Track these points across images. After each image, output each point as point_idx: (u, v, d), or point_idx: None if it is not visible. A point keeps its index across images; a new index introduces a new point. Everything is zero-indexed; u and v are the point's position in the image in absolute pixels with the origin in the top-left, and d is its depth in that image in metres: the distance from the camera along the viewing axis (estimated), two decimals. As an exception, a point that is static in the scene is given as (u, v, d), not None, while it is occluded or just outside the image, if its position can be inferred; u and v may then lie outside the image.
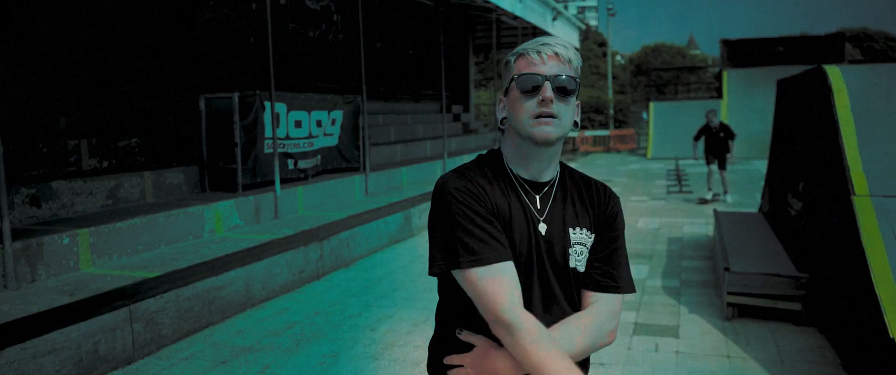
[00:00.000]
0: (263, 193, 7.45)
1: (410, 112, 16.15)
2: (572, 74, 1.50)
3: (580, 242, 1.57)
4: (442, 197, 1.49)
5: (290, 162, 8.25)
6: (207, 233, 6.53)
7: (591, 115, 29.89)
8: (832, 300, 4.44)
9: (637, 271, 6.59)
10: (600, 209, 1.61)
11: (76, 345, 3.98)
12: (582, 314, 1.51)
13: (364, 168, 9.52)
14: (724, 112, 21.29)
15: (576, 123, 1.56)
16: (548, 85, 1.46)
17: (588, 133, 26.52)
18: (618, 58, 59.16)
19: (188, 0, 9.42)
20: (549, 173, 1.58)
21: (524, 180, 1.57)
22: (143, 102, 8.32)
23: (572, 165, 17.38)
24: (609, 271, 1.56)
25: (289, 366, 4.26)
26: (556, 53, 1.49)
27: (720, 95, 21.98)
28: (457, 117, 17.79)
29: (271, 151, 7.58)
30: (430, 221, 1.52)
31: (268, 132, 7.60)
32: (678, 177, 14.31)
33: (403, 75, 16.66)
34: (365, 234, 7.66)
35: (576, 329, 1.47)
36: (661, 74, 32.99)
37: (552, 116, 1.46)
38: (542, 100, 1.45)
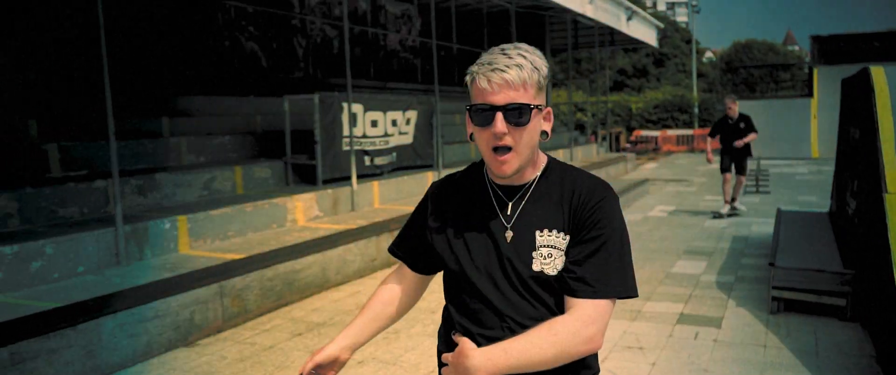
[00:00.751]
0: (341, 186, 8.05)
1: (488, 111, 16.56)
2: (526, 100, 1.45)
3: (549, 245, 1.53)
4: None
5: (367, 158, 8.83)
6: (289, 222, 7.16)
7: (676, 114, 29.41)
8: (870, 295, 4.57)
9: (693, 267, 6.77)
10: (577, 210, 1.54)
11: (175, 313, 4.63)
12: (555, 320, 1.47)
13: (437, 165, 10.00)
14: (814, 111, 20.62)
15: (545, 133, 1.55)
16: (499, 117, 1.45)
17: (671, 132, 26.16)
18: (708, 55, 57.50)
19: (278, 7, 10.19)
20: (525, 178, 1.58)
21: (499, 186, 1.59)
22: (235, 104, 9.11)
23: (653, 164, 17.40)
24: (584, 275, 1.49)
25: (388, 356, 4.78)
26: (507, 82, 1.44)
27: (811, 93, 21.30)
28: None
29: (348, 148, 8.17)
30: None
31: (345, 131, 8.20)
32: (757, 177, 14.10)
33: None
34: (434, 227, 8.15)
35: (544, 336, 1.43)
36: (752, 72, 32.05)
37: (507, 149, 1.47)
38: (495, 134, 1.45)
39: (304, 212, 7.35)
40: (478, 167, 1.67)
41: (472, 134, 1.55)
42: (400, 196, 8.94)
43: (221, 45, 10.55)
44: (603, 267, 1.49)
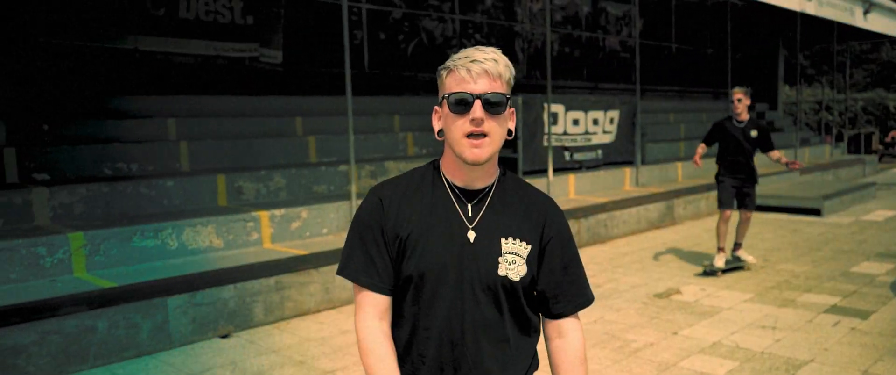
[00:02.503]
0: (539, 178, 9.08)
1: (708, 110, 16.47)
2: (502, 90, 1.54)
3: (513, 252, 1.60)
4: (359, 206, 1.67)
5: (567, 154, 9.77)
6: (490, 206, 8.39)
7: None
8: None
9: (876, 268, 6.77)
10: (540, 221, 1.65)
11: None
12: (571, 355, 1.68)
13: (637, 161, 10.60)
14: None
15: (510, 132, 1.62)
16: (478, 104, 1.52)
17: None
18: None
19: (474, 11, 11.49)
20: (484, 181, 1.64)
21: (458, 187, 1.63)
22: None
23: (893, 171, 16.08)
24: (572, 289, 1.67)
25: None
26: (486, 71, 1.53)
27: None
28: (761, 115, 17.50)
29: (547, 144, 9.20)
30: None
31: (545, 129, 9.23)
32: None
33: (700, 74, 17.12)
34: (623, 217, 8.87)
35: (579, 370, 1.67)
36: None
37: (483, 135, 1.53)
38: (473, 119, 1.51)
39: (503, 198, 8.53)
40: (428, 171, 1.68)
41: (440, 130, 1.63)
42: (594, 189, 9.73)
43: (446, 53, 12.16)
44: (576, 280, 1.69)
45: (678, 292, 6.02)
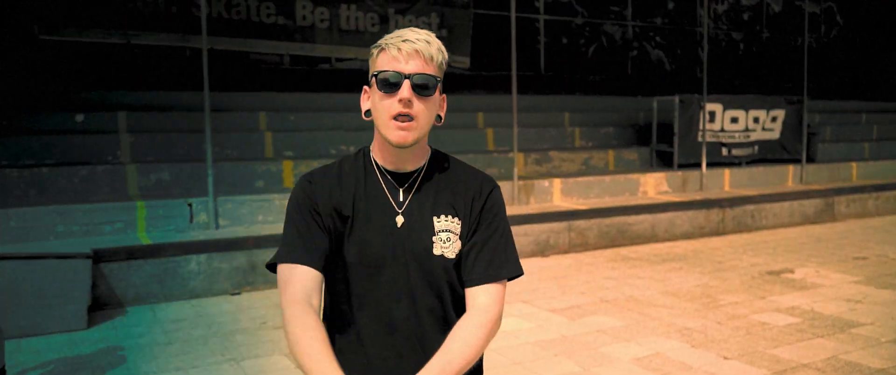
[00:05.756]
0: (694, 170, 9.96)
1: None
2: (433, 72, 1.52)
3: (446, 229, 1.59)
4: (290, 195, 1.63)
5: (724, 150, 10.49)
6: (640, 193, 9.46)
7: None
8: None
9: None
10: (469, 196, 1.63)
11: (536, 234, 7.51)
12: (469, 320, 1.56)
13: (802, 159, 10.97)
14: None
15: (439, 117, 1.60)
16: (406, 84, 1.48)
17: None
18: None
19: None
20: (414, 164, 1.62)
21: (389, 171, 1.62)
22: (623, 103, 11.73)
23: None
24: (490, 259, 1.60)
25: (660, 275, 7.01)
26: (417, 50, 1.49)
27: None
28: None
29: (702, 140, 10.03)
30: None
31: (700, 126, 10.07)
32: None
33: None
34: (773, 210, 9.48)
35: (471, 337, 1.52)
36: None
37: (410, 118, 1.51)
38: (401, 100, 1.49)
39: (654, 187, 9.56)
40: (358, 157, 1.66)
41: (367, 111, 1.59)
42: (751, 183, 10.35)
43: (625, 54, 13.23)
44: (500, 249, 1.62)
45: (791, 271, 6.81)
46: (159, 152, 7.68)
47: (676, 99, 9.96)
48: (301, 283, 1.52)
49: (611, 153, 10.29)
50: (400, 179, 1.62)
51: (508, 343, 4.69)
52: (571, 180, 8.90)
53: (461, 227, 1.61)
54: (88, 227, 6.04)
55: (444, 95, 1.62)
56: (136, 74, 9.02)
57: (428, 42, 1.53)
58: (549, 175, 9.30)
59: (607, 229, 8.05)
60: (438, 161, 1.67)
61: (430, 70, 1.53)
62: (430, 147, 1.69)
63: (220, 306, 5.64)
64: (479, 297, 1.59)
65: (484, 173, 1.71)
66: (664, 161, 10.46)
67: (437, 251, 1.58)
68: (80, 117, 7.84)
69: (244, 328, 5.07)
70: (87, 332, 4.96)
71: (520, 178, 8.49)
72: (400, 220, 1.58)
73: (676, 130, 10.03)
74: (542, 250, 7.60)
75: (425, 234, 1.59)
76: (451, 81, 11.31)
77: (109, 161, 7.39)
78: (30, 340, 4.76)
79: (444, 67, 1.58)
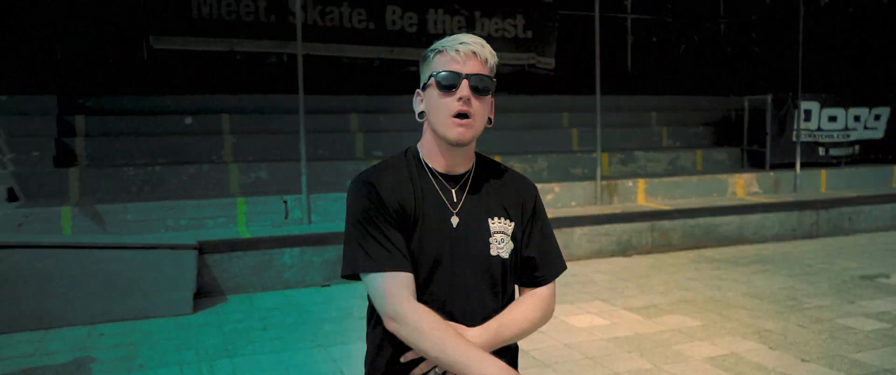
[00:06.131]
0: (787, 171, 9.65)
1: None
2: (488, 74, 1.59)
3: (501, 230, 1.66)
4: (351, 200, 1.65)
5: (822, 150, 10.10)
6: (729, 194, 9.26)
7: None
8: None
9: None
10: (519, 199, 1.72)
11: (619, 234, 7.54)
12: (531, 299, 1.71)
13: (909, 160, 10.42)
14: None
15: (490, 120, 1.66)
16: (465, 83, 1.55)
17: None
18: None
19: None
20: (465, 166, 1.68)
21: (440, 173, 1.67)
22: (705, 101, 11.50)
23: None
24: (549, 262, 1.74)
25: (744, 277, 6.92)
26: (474, 53, 1.57)
27: None
28: None
29: (796, 140, 9.71)
30: (346, 221, 1.64)
31: (795, 125, 9.74)
32: None
33: None
34: (873, 213, 9.07)
35: (531, 312, 1.69)
36: None
37: (467, 117, 1.57)
38: (461, 98, 1.55)
39: (744, 187, 9.34)
40: (409, 158, 1.70)
41: (421, 112, 1.66)
42: (849, 185, 9.92)
43: (718, 53, 12.91)
44: (551, 251, 1.76)
45: (886, 276, 6.55)
46: (258, 152, 8.21)
47: (769, 98, 9.69)
48: (409, 289, 1.57)
49: (699, 153, 10.12)
50: (451, 180, 1.68)
51: (581, 339, 4.81)
52: (657, 180, 8.83)
53: (513, 228, 1.70)
54: (195, 221, 6.58)
55: (494, 99, 1.69)
56: (238, 79, 9.63)
57: (482, 45, 1.62)
58: (635, 175, 9.27)
59: (692, 229, 7.97)
60: (484, 165, 1.75)
61: (486, 72, 1.61)
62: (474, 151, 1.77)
63: (311, 296, 6.02)
64: (540, 292, 1.75)
65: (525, 176, 1.82)
66: (755, 162, 10.19)
67: (493, 251, 1.66)
68: (188, 120, 8.49)
69: (333, 317, 5.41)
70: (193, 317, 5.43)
71: (603, 178, 8.52)
72: (455, 220, 1.64)
73: (768, 129, 9.76)
74: (624, 249, 7.61)
75: (481, 235, 1.65)
76: (537, 82, 11.47)
77: (214, 161, 7.97)
78: (142, 322, 5.27)
79: (495, 71, 1.65)
